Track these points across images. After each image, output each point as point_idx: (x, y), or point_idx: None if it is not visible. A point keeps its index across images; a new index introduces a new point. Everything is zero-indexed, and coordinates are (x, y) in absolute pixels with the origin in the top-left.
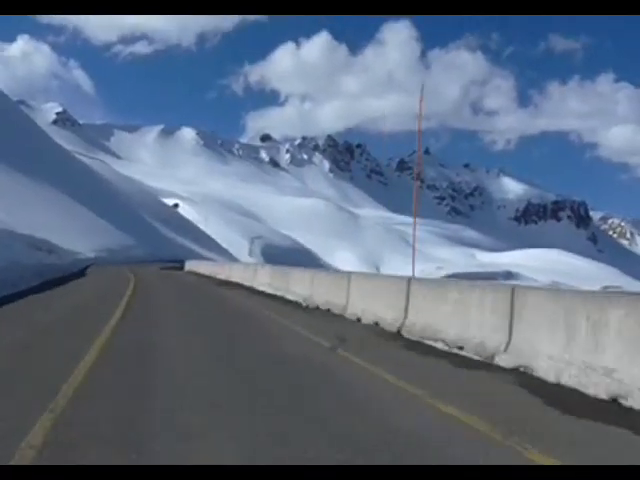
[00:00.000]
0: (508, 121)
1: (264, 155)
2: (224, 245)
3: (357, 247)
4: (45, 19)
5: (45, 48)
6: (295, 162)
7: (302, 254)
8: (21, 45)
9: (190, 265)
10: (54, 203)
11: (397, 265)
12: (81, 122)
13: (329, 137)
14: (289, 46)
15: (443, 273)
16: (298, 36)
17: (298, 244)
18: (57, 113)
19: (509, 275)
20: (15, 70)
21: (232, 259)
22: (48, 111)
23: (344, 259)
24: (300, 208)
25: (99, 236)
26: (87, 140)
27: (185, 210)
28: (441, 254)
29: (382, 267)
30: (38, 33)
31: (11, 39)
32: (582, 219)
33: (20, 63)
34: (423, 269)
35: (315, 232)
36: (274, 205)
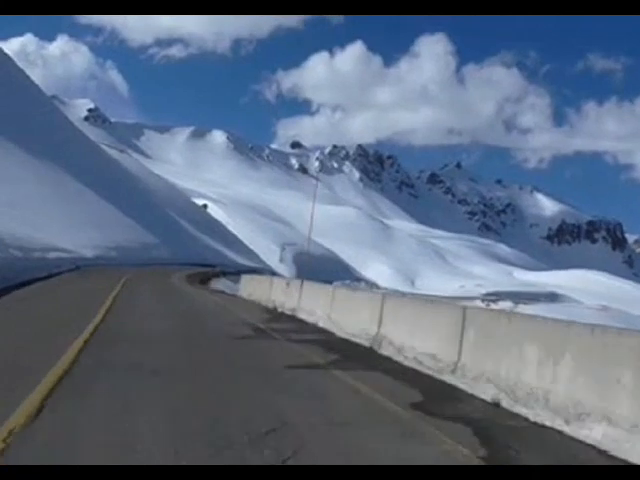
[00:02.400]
0: (542, 139)
1: (294, 162)
2: (254, 250)
3: (391, 259)
4: (84, 20)
5: (84, 49)
6: (325, 170)
7: (336, 264)
8: (60, 44)
9: (247, 283)
10: (58, 192)
11: (433, 281)
12: (112, 120)
13: (359, 147)
14: (323, 55)
15: (483, 291)
16: (332, 45)
17: (332, 253)
18: (89, 110)
19: (554, 296)
20: (54, 69)
21: (263, 265)
22: (80, 107)
23: (379, 271)
24: (331, 216)
25: (112, 231)
26: (117, 138)
27: (214, 211)
28: (477, 271)
29: (417, 282)
30: (77, 33)
31: (51, 38)
32: (618, 241)
33: (59, 62)
34: (463, 285)
35: (347, 241)
36: (304, 211)
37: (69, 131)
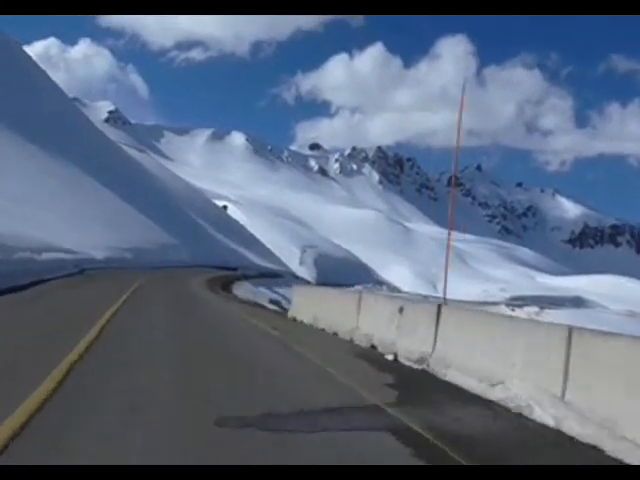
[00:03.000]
0: (564, 142)
1: (313, 164)
2: (274, 251)
3: (412, 262)
4: (105, 23)
5: (105, 52)
6: (344, 172)
7: (356, 266)
8: (83, 48)
9: (305, 298)
10: (69, 188)
11: (455, 285)
12: (132, 122)
13: (379, 149)
14: (342, 57)
15: (507, 295)
16: (352, 47)
17: (352, 255)
18: (109, 112)
19: (579, 301)
20: (76, 72)
21: (285, 267)
22: (100, 109)
23: (399, 274)
24: (350, 218)
25: (128, 231)
26: (137, 139)
27: (233, 213)
28: (500, 274)
29: (439, 285)
30: (99, 37)
31: (73, 42)
32: None
33: (81, 65)
34: (486, 289)
35: (366, 244)
36: (323, 214)
37: (89, 131)
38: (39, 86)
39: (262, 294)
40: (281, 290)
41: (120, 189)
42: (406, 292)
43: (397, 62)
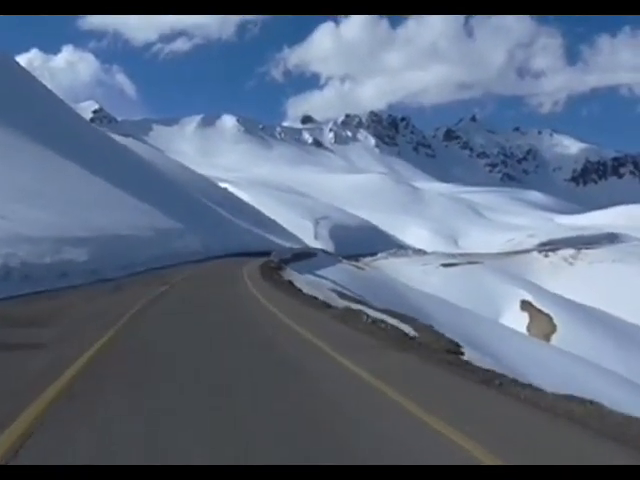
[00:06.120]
0: (555, 81)
1: (307, 137)
2: (287, 228)
3: (427, 221)
4: (86, 25)
5: (89, 56)
6: (339, 141)
7: (374, 233)
8: (66, 55)
9: None
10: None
11: (476, 238)
12: (119, 119)
13: (372, 113)
14: (328, 26)
15: (536, 241)
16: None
17: (367, 222)
18: (94, 111)
19: (613, 237)
20: (61, 80)
21: (303, 244)
22: (84, 110)
23: (418, 236)
24: (356, 185)
25: (116, 217)
26: (125, 136)
27: (236, 194)
28: (517, 221)
29: (460, 241)
30: (81, 41)
31: (56, 50)
32: None
33: (65, 73)
34: (512, 238)
35: (376, 208)
36: (326, 184)
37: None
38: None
39: (317, 284)
40: (326, 273)
41: (105, 172)
42: (431, 252)
43: (384, 23)
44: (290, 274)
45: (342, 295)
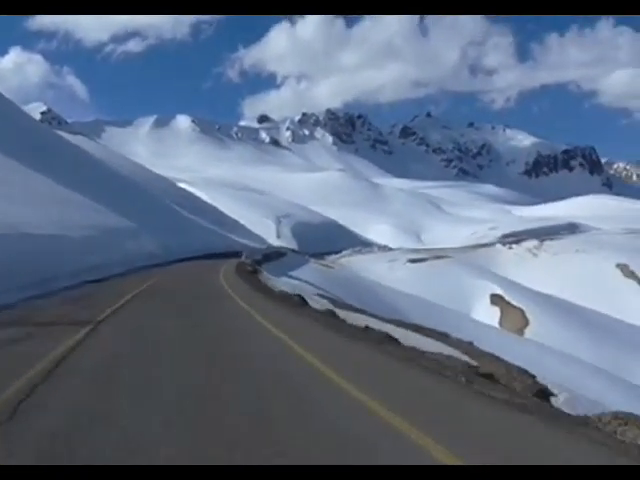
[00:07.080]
0: (507, 78)
1: (264, 136)
2: (248, 228)
3: (389, 217)
4: (35, 25)
5: (38, 57)
6: (297, 139)
7: (337, 231)
8: (13, 57)
9: None
10: None
11: (440, 232)
12: (69, 121)
13: (328, 111)
14: (284, 26)
15: (499, 234)
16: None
17: (330, 220)
18: (42, 113)
19: (573, 227)
20: (8, 82)
21: (267, 244)
22: (32, 111)
23: (380, 232)
24: (315, 183)
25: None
26: (74, 134)
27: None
28: (476, 214)
29: (423, 236)
30: (29, 43)
31: (3, 52)
32: (595, 165)
33: (13, 75)
34: (475, 231)
35: (338, 205)
36: (287, 182)
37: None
38: None
39: (301, 289)
40: (299, 274)
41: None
42: (398, 248)
43: (339, 23)
44: (268, 278)
45: (335, 302)
